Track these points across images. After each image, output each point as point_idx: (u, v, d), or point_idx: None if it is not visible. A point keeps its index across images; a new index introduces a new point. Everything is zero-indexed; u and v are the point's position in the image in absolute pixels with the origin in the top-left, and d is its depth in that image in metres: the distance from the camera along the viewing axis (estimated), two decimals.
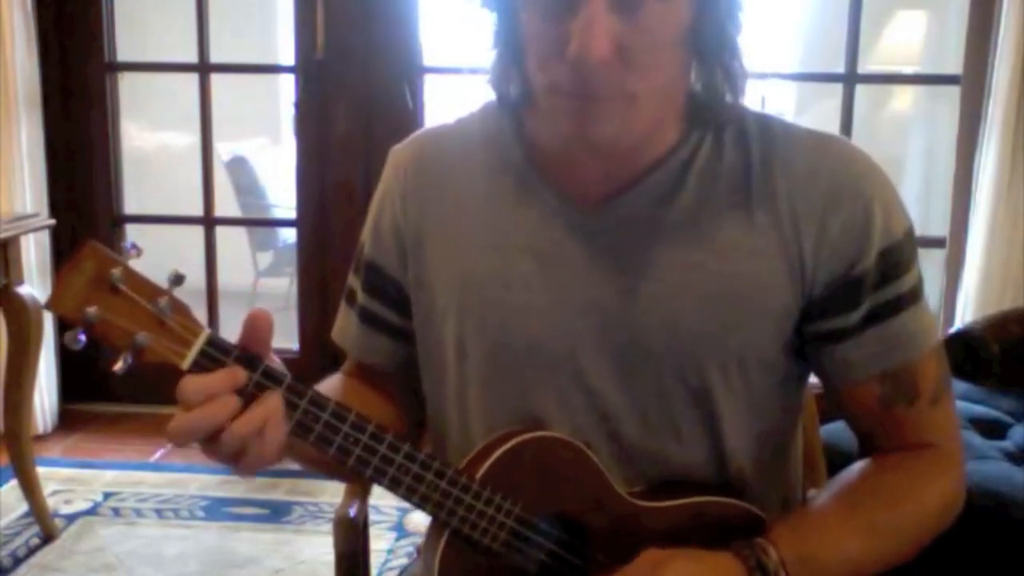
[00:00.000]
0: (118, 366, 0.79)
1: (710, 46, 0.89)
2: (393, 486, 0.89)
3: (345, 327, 1.11)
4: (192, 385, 0.79)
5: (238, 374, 0.81)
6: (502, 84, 0.96)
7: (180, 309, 0.81)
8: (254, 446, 0.81)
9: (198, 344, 0.81)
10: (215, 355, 0.81)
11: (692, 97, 0.94)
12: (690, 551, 0.91)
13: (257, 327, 0.83)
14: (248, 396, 0.81)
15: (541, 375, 0.97)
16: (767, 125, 0.97)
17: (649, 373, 0.96)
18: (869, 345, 0.96)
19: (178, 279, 0.81)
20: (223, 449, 0.81)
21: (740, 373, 0.96)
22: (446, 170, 1.03)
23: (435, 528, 0.94)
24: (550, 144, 0.97)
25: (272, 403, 0.82)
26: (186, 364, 0.80)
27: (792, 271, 0.94)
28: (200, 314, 0.83)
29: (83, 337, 0.78)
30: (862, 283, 0.94)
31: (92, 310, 0.78)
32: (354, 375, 1.12)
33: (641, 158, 0.95)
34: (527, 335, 0.97)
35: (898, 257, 0.95)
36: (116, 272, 0.78)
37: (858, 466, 1.02)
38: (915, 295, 0.97)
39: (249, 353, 0.82)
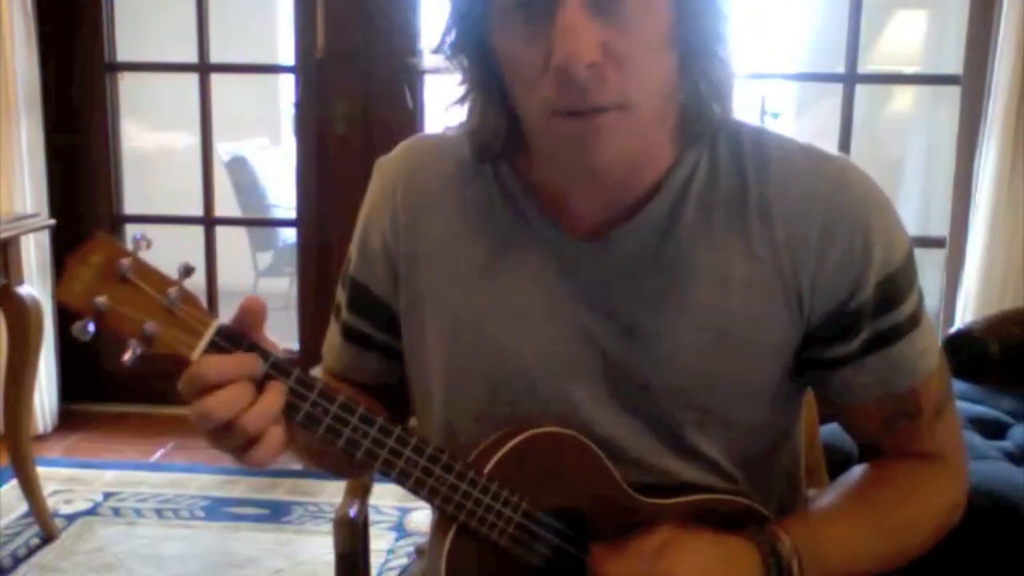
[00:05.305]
0: (127, 356, 0.79)
1: (695, 46, 0.85)
2: (402, 478, 0.88)
3: (331, 341, 1.09)
4: (210, 363, 0.79)
5: (255, 362, 0.80)
6: (481, 134, 0.93)
7: (190, 300, 0.80)
8: (267, 436, 0.80)
9: (208, 335, 0.80)
10: (225, 346, 0.81)
11: (682, 114, 0.91)
12: (705, 532, 0.91)
13: (252, 312, 0.82)
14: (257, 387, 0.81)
15: (535, 408, 0.95)
16: (762, 144, 0.94)
17: (647, 406, 0.95)
18: (869, 371, 0.95)
19: (188, 270, 0.80)
20: (233, 439, 0.80)
21: (739, 401, 0.95)
22: (437, 192, 1.00)
23: (442, 521, 0.93)
24: (546, 180, 0.95)
25: (280, 393, 0.81)
26: (195, 355, 0.80)
27: (790, 303, 0.93)
28: None
29: (92, 327, 0.78)
30: (860, 313, 0.92)
31: (101, 300, 0.78)
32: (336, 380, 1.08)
33: (638, 183, 0.93)
34: (522, 369, 0.95)
35: (898, 282, 0.93)
36: (125, 262, 0.78)
37: (860, 469, 1.01)
38: (915, 319, 0.95)
39: (258, 345, 0.82)
